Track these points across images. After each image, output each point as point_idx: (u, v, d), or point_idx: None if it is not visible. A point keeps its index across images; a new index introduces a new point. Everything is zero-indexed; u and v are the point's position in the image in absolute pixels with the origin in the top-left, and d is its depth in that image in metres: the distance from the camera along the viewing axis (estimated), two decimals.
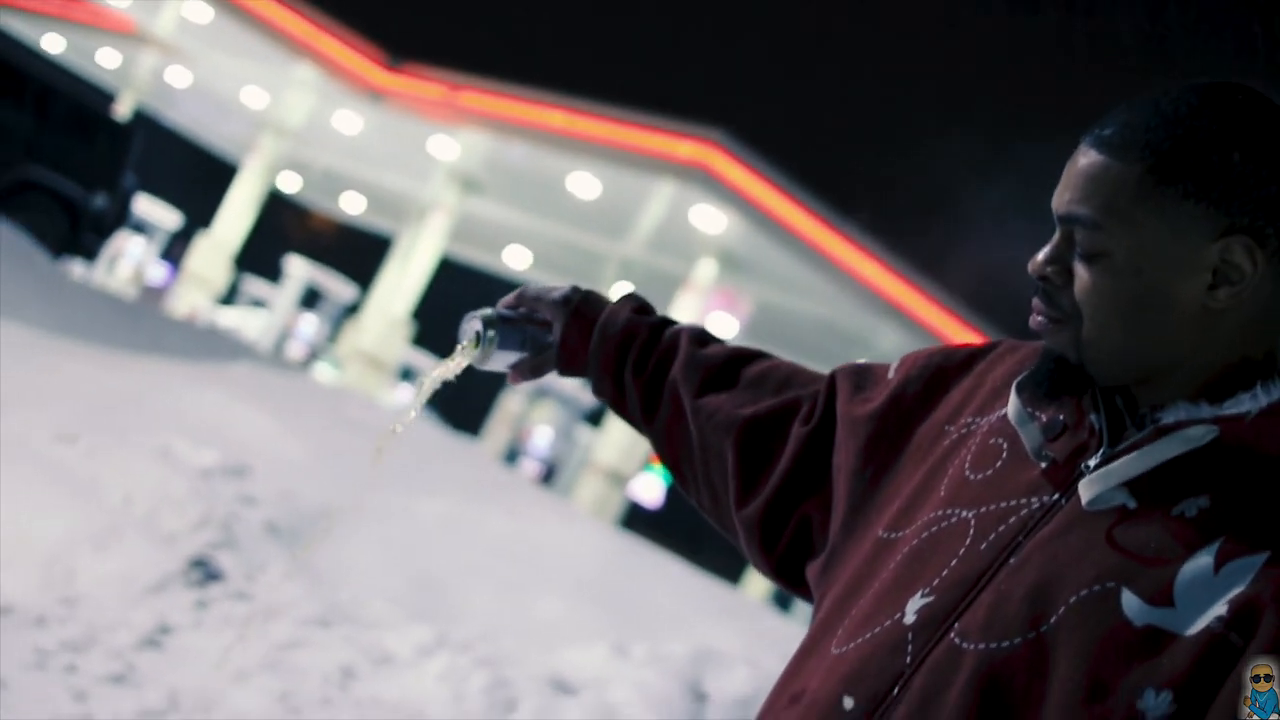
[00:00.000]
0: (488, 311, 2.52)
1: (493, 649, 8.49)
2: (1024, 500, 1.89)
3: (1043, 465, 1.90)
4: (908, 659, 1.86)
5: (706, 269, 28.08)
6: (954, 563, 1.90)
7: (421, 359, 36.47)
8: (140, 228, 37.96)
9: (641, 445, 25.19)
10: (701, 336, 2.52)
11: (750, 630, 11.35)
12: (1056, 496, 1.86)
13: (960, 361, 2.22)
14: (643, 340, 2.50)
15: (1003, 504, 1.91)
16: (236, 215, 33.84)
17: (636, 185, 26.99)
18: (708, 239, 27.66)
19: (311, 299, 37.34)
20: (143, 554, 7.98)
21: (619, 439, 26.92)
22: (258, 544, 8.82)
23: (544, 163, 28.43)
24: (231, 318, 35.28)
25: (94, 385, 11.19)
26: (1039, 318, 1.91)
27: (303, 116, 33.53)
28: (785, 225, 25.67)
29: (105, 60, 37.29)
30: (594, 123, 26.49)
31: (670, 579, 12.87)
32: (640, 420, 2.52)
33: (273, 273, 38.00)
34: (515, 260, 38.16)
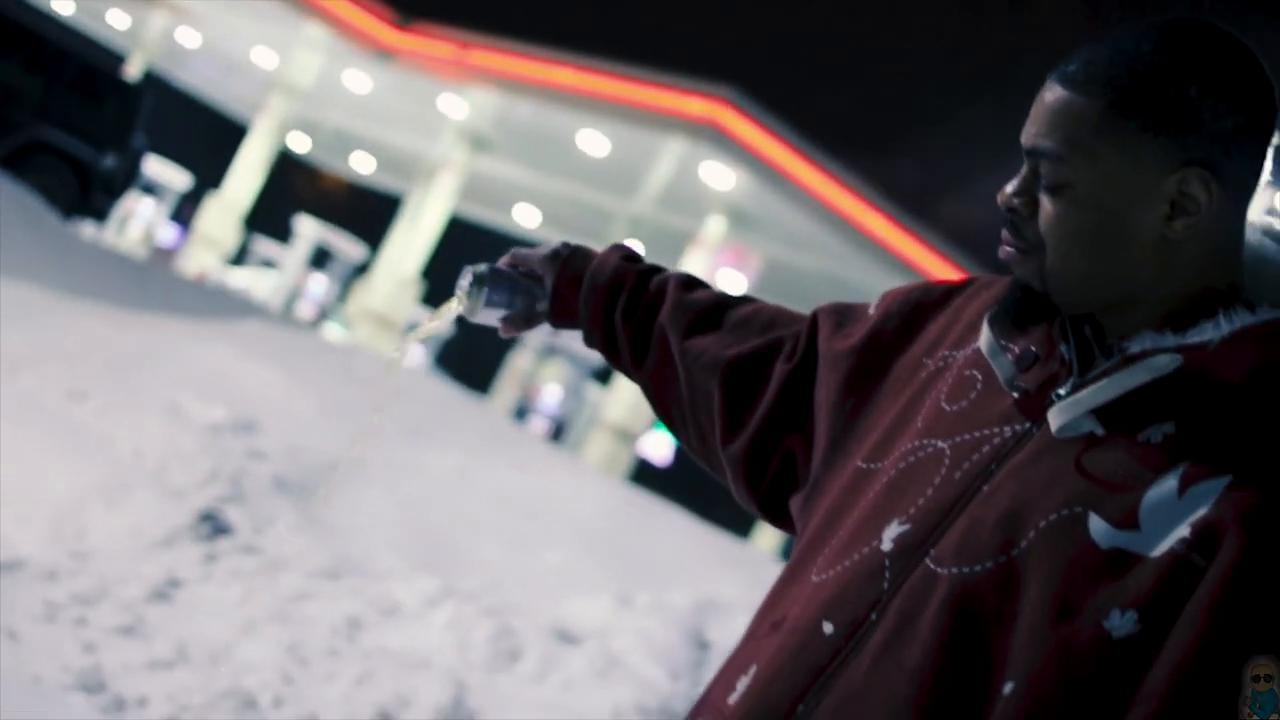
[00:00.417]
0: (480, 266, 2.57)
1: (498, 599, 8.55)
2: (997, 430, 1.94)
3: (1015, 395, 1.94)
4: (885, 584, 1.91)
5: (716, 226, 28.07)
6: (930, 491, 1.95)
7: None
8: (150, 189, 38.00)
9: None
10: (688, 282, 2.56)
11: (754, 580, 11.38)
12: (1028, 425, 1.91)
13: (938, 297, 2.26)
14: (631, 287, 2.54)
15: (976, 433, 1.96)
16: (246, 176, 33.79)
17: (646, 142, 26.96)
18: (717, 196, 27.64)
19: (321, 259, 37.36)
20: (152, 508, 8.04)
21: (628, 397, 26.92)
22: (266, 498, 8.88)
23: (553, 120, 28.40)
24: (241, 278, 35.29)
25: (104, 344, 11.23)
26: (1007, 248, 1.96)
27: (312, 76, 33.48)
28: (795, 181, 25.65)
29: (115, 21, 37.24)
30: (603, 80, 26.45)
31: (677, 532, 12.92)
32: (630, 365, 2.57)
33: (283, 233, 38.05)
34: (525, 218, 38.15)
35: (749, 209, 27.46)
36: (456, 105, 30.58)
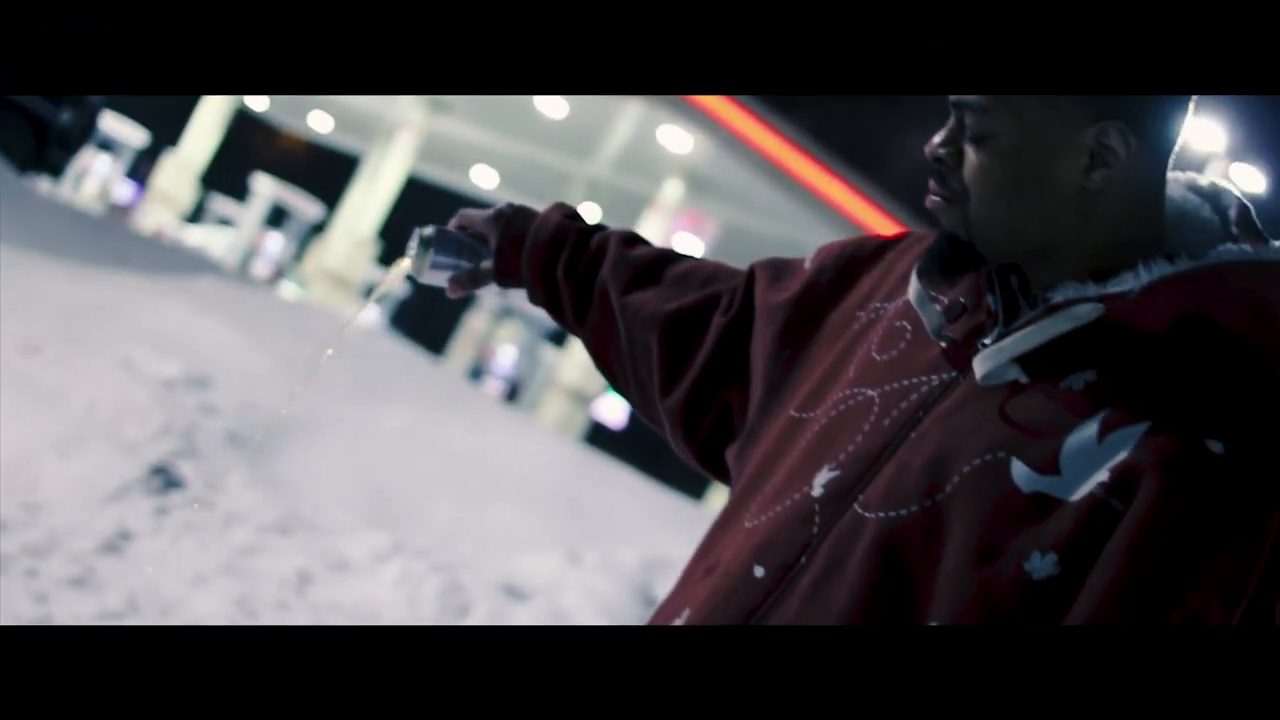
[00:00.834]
0: (427, 229, 2.62)
1: (448, 556, 8.58)
2: (924, 378, 1.99)
3: (943, 345, 1.99)
4: (815, 529, 1.96)
5: (673, 190, 28.02)
6: (859, 438, 1.99)
7: None
8: (107, 145, 37.71)
9: None
10: (630, 239, 2.60)
11: None
12: (954, 374, 1.95)
13: (872, 251, 2.31)
14: (572, 244, 2.58)
15: (905, 382, 2.00)
16: (204, 133, 33.56)
17: (604, 105, 26.89)
18: (674, 159, 27.59)
19: (278, 217, 37.17)
20: (104, 462, 8.04)
21: (583, 359, 26.84)
22: (218, 453, 8.90)
23: None
24: (198, 236, 35.09)
25: (59, 298, 11.20)
26: (933, 197, 2.01)
27: None
28: (752, 146, 25.64)
29: None
30: None
31: (628, 492, 12.96)
32: (573, 321, 2.60)
33: (240, 191, 37.81)
34: (483, 180, 38.01)
35: (706, 173, 27.43)
36: None
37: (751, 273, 2.45)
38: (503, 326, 33.84)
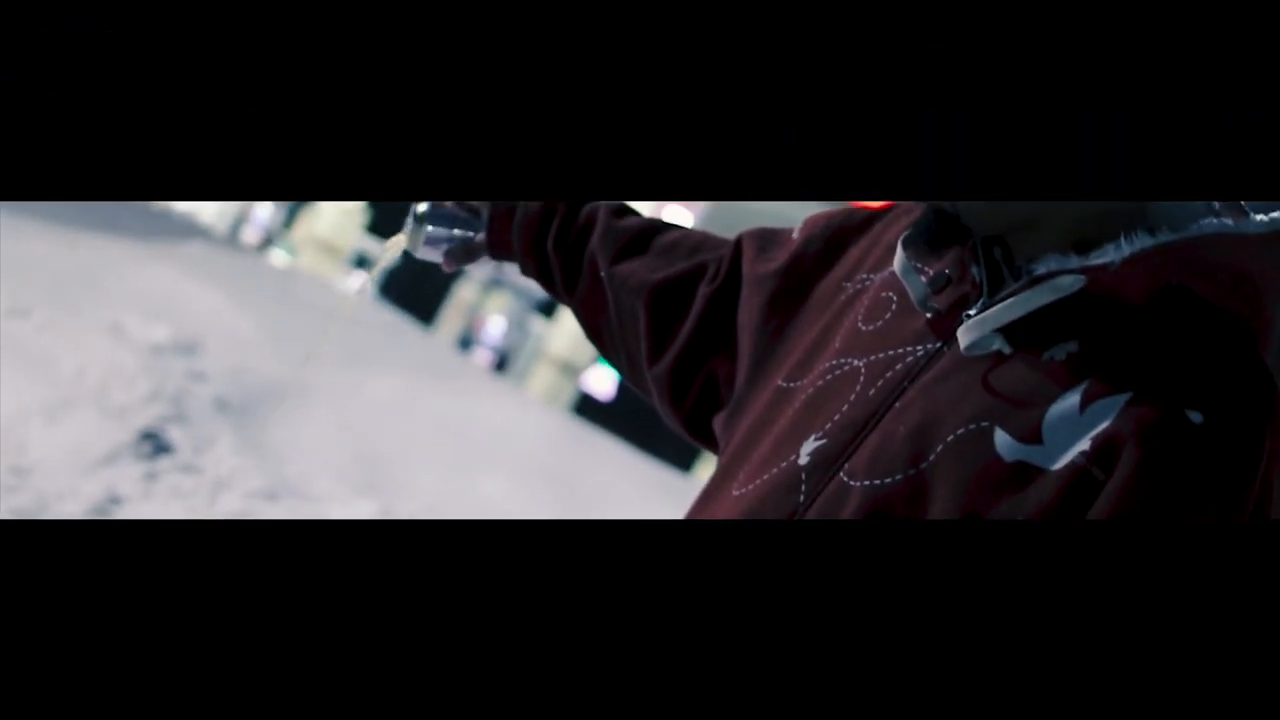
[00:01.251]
0: (421, 205, 2.64)
1: None
2: (910, 348, 2.00)
3: (928, 315, 2.00)
4: (801, 497, 1.98)
5: None
6: (845, 407, 2.00)
7: (376, 246, 36.21)
8: None
9: None
10: (619, 210, 2.60)
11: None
12: (939, 344, 1.96)
13: (860, 221, 2.31)
14: (562, 215, 2.58)
15: (890, 352, 2.02)
16: None
17: None
18: None
19: None
20: (93, 426, 8.05)
21: (572, 330, 26.71)
22: (207, 419, 8.90)
23: None
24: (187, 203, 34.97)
25: (48, 262, 11.18)
26: None
27: None
28: None
29: None
30: None
31: (617, 463, 12.96)
32: (563, 292, 2.61)
33: None
34: None
35: None
36: None
37: (739, 243, 2.44)
38: (492, 297, 33.77)
